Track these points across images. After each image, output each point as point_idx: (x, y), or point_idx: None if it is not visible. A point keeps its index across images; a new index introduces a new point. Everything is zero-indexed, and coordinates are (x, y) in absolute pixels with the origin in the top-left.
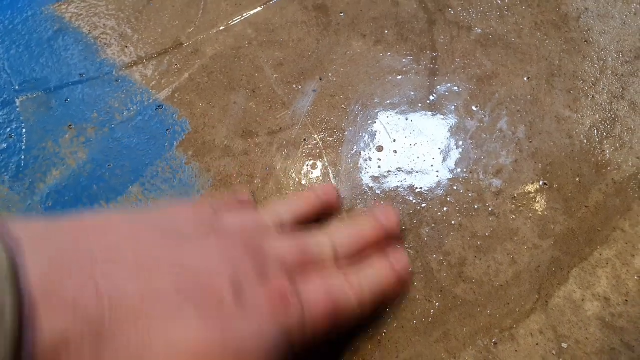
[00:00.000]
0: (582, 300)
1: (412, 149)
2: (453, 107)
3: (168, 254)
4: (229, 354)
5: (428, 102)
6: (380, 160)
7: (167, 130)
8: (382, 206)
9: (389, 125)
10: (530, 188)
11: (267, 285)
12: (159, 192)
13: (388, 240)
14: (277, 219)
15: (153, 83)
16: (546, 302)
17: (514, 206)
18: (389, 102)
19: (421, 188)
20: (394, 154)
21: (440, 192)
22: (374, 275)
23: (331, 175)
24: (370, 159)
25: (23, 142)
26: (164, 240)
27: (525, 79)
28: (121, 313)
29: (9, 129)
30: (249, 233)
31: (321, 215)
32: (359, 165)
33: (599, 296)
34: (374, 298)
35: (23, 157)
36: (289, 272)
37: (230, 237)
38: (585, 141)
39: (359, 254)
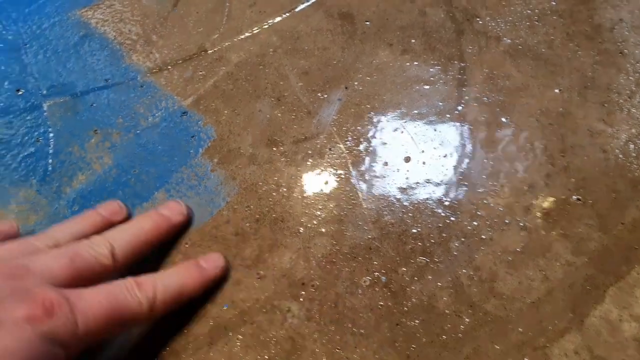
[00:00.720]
0: (620, 320)
1: (440, 160)
2: (482, 119)
3: None
4: None
5: (456, 112)
6: (408, 171)
7: (192, 137)
8: (168, 201)
9: (416, 136)
10: (563, 203)
11: (28, 299)
12: (184, 198)
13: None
14: (51, 242)
15: (178, 89)
16: (581, 321)
17: (545, 221)
18: (416, 111)
19: (450, 201)
20: (422, 165)
21: (469, 205)
22: (172, 273)
23: (357, 186)
24: (397, 169)
25: (50, 146)
26: None
27: (557, 91)
28: None
29: (36, 133)
30: (8, 256)
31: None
32: (386, 176)
33: (638, 317)
34: (167, 297)
35: (50, 161)
36: (57, 283)
37: None
38: (620, 156)
39: (141, 252)
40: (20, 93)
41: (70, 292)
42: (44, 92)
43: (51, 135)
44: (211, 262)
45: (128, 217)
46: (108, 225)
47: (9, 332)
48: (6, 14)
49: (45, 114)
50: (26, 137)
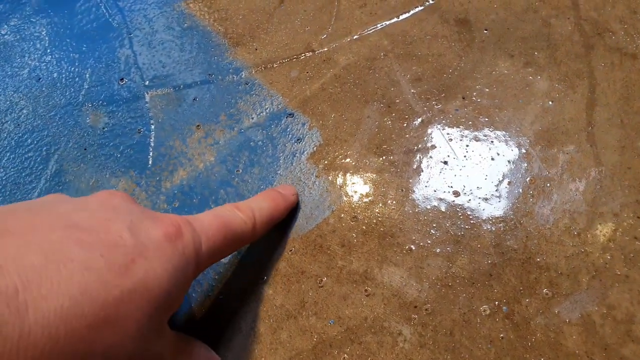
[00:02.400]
0: None
1: (569, 184)
2: (615, 142)
3: (56, 218)
4: (141, 291)
5: (586, 133)
6: (532, 193)
7: (297, 140)
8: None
9: (541, 156)
10: None
11: (158, 220)
12: None
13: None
14: None
15: (284, 89)
16: None
17: None
18: (540, 129)
19: (580, 230)
20: (549, 188)
21: (602, 236)
22: (261, 199)
23: (476, 205)
24: (520, 191)
25: (151, 138)
26: (46, 209)
27: None
28: (33, 283)
29: (138, 124)
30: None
31: None
32: (508, 197)
33: None
34: (264, 217)
35: (151, 153)
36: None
37: (110, 193)
38: None
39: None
40: (123, 83)
41: (186, 216)
42: (147, 83)
43: (152, 127)
44: (287, 190)
45: None
46: None
47: (155, 254)
48: (113, 2)
49: (147, 105)
50: (127, 128)
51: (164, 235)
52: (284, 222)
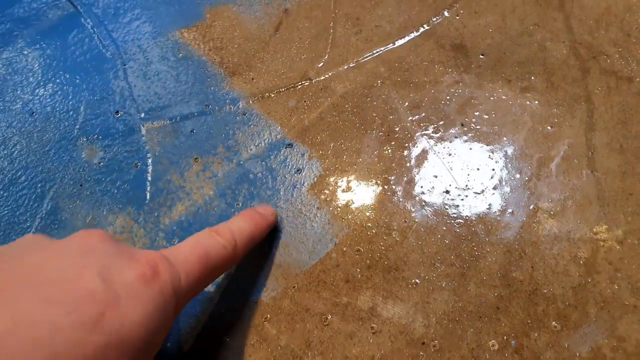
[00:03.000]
0: None
1: (573, 212)
2: (616, 167)
3: (27, 271)
4: (116, 343)
5: (587, 158)
6: (536, 222)
7: (297, 171)
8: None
9: (543, 184)
10: None
11: (134, 261)
12: (289, 237)
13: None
14: None
15: (282, 119)
16: None
17: None
18: (540, 155)
19: (585, 259)
20: (552, 217)
21: (608, 265)
22: (240, 220)
23: (480, 236)
24: (524, 220)
25: (148, 172)
26: (16, 261)
27: None
28: (1, 354)
29: (134, 158)
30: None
31: None
32: (512, 227)
33: None
34: (244, 239)
35: (148, 188)
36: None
37: (87, 234)
38: None
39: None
40: (118, 116)
41: (164, 250)
42: (142, 115)
43: (149, 161)
44: (267, 210)
45: None
46: None
47: (129, 300)
48: (106, 33)
49: (143, 138)
50: (124, 163)
51: (140, 277)
52: (283, 256)
